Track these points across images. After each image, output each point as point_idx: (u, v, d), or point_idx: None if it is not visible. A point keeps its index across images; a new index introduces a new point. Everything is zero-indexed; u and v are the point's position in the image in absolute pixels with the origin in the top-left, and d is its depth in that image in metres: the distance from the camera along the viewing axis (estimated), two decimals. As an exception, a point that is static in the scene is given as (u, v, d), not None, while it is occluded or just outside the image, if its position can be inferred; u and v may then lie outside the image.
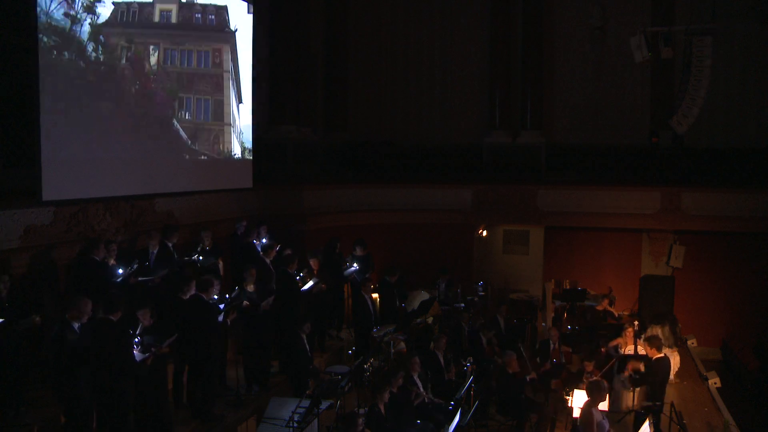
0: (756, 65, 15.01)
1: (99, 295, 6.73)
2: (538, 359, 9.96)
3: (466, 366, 9.01)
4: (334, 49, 15.93)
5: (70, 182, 8.21)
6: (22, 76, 8.18)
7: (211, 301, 7.63)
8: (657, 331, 10.68)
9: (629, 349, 9.82)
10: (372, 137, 16.71)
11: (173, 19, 10.13)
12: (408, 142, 16.85)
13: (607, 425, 6.55)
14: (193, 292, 7.36)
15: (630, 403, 8.52)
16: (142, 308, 6.59)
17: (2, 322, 6.43)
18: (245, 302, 8.09)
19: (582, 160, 15.52)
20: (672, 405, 7.35)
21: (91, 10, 8.38)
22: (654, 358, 8.28)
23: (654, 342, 8.25)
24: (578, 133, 16.06)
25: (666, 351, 10.43)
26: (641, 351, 9.41)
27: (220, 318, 7.58)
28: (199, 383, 7.36)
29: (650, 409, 7.76)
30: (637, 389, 8.58)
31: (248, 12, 11.97)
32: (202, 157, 10.83)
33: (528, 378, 9.03)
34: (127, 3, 9.11)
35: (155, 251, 8.78)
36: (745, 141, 15.02)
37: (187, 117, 10.48)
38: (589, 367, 9.03)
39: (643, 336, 10.09)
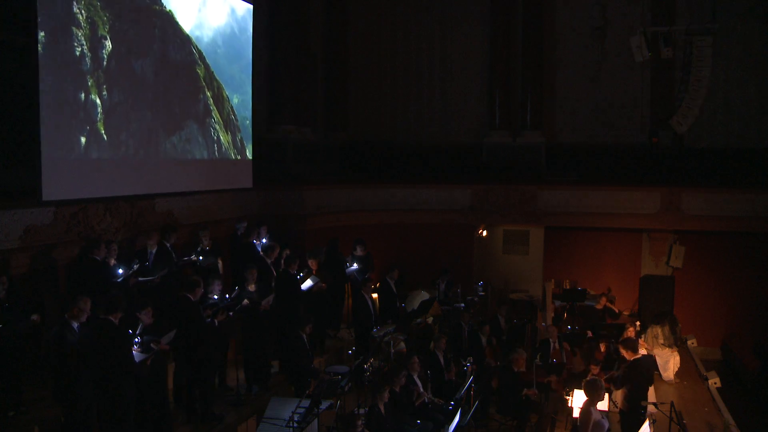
0: (756, 65, 15.02)
1: (99, 295, 6.73)
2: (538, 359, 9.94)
3: (466, 366, 9.01)
4: (334, 49, 15.94)
5: (70, 182, 8.20)
6: (22, 76, 8.17)
7: (210, 301, 7.63)
8: (657, 331, 10.69)
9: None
10: (372, 137, 16.73)
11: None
12: (408, 142, 16.86)
13: (606, 424, 6.55)
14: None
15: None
16: (144, 308, 6.59)
17: (1, 327, 6.42)
18: (245, 301, 8.09)
19: (582, 160, 15.54)
20: (672, 405, 7.33)
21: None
22: (630, 359, 8.16)
23: (629, 344, 8.13)
24: (578, 133, 16.09)
25: (666, 351, 10.48)
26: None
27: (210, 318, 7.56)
28: (195, 383, 7.36)
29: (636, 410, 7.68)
30: (618, 390, 8.58)
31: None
32: (202, 157, 10.82)
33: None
34: (126, 3, 9.07)
35: (154, 251, 8.78)
36: (745, 141, 15.03)
37: (186, 119, 10.46)
38: (595, 370, 9.01)
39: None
